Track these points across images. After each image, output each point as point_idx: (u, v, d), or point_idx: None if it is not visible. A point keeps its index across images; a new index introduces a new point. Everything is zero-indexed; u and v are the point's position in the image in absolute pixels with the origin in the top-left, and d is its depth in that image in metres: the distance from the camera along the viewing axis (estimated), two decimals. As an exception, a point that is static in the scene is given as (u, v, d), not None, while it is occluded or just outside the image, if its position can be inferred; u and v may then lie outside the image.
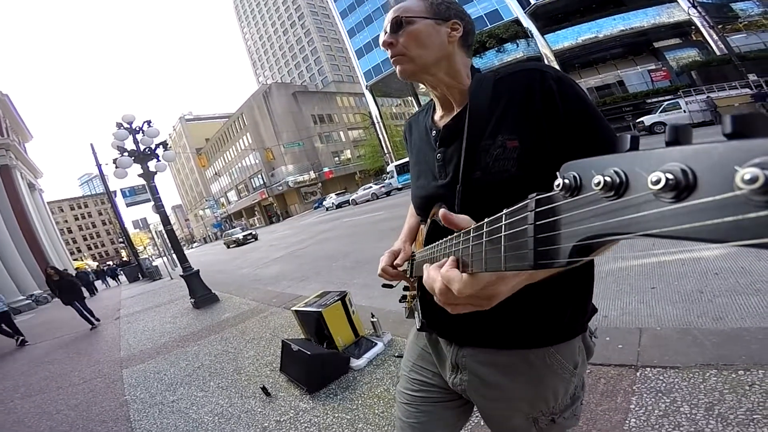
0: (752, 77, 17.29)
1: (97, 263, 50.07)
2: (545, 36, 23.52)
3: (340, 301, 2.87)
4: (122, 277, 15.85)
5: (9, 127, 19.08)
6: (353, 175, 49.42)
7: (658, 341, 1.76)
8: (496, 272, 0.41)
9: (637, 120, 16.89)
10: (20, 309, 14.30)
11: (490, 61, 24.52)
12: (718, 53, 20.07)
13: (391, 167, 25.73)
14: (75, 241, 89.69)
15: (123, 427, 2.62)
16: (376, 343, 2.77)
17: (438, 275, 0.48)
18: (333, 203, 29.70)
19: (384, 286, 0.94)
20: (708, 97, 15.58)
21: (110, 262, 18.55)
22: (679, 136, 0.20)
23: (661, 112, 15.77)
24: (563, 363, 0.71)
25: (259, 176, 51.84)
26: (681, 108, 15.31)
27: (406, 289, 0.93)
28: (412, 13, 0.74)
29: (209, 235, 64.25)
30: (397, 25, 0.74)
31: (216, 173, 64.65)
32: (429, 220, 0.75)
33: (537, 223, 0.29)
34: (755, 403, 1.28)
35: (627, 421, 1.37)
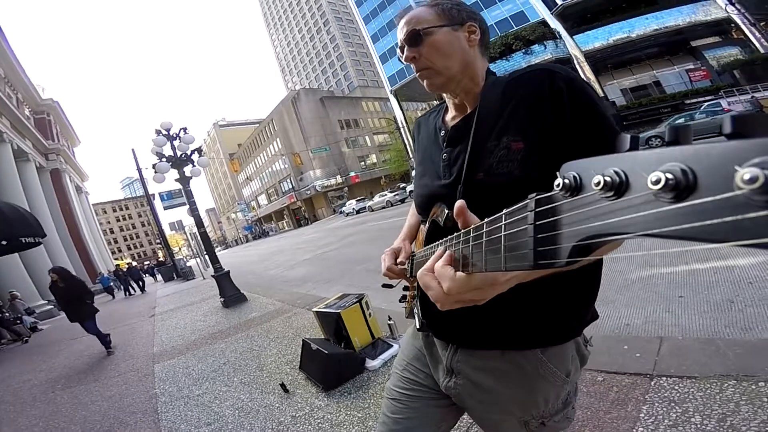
0: (801, 74, 15.91)
1: (135, 263, 53.08)
2: (574, 37, 22.65)
3: (357, 304, 2.93)
4: (158, 276, 16.86)
5: (59, 133, 20.44)
6: (379, 180, 49.70)
7: (678, 351, 1.68)
8: (486, 279, 0.44)
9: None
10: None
11: (517, 63, 23.92)
12: (761, 51, 18.54)
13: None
14: (116, 241, 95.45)
15: (150, 418, 2.75)
16: (391, 345, 2.81)
17: (432, 274, 0.49)
18: (353, 209, 30.20)
19: (384, 286, 0.95)
20: (753, 96, 14.54)
21: (147, 262, 19.76)
22: (679, 136, 0.20)
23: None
24: (554, 371, 0.71)
25: (288, 180, 53.08)
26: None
27: (406, 289, 0.93)
28: (427, 24, 0.73)
29: (240, 237, 66.47)
30: (416, 38, 0.73)
31: (247, 177, 66.74)
32: (429, 220, 0.75)
33: (537, 223, 0.29)
34: None
35: (634, 430, 1.33)
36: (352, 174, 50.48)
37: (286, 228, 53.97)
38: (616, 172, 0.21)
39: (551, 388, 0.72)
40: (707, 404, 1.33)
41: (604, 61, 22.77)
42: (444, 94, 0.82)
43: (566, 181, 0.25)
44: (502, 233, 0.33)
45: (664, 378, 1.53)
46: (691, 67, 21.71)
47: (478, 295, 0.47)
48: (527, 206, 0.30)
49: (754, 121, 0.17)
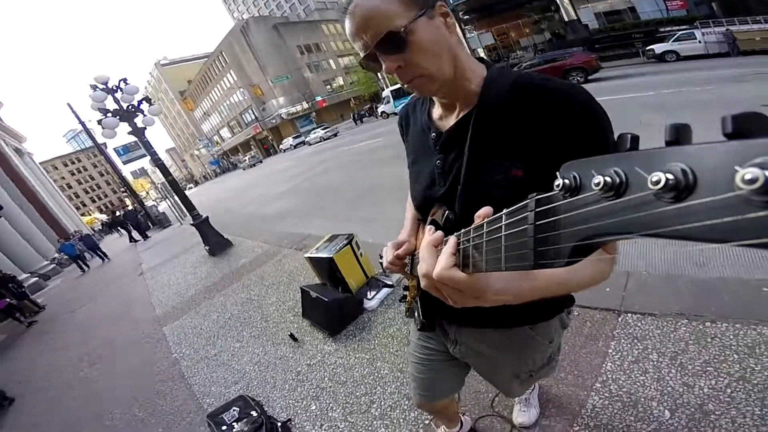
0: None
1: (105, 215, 50.94)
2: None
3: (348, 245, 3.00)
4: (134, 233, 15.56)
5: None
6: (348, 102, 48.35)
7: (643, 287, 1.91)
8: (475, 287, 0.44)
9: (647, 48, 15.62)
10: (48, 274, 14.34)
11: None
12: None
13: (386, 92, 24.90)
14: (77, 196, 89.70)
15: (182, 384, 2.86)
16: (385, 284, 2.94)
17: (434, 250, 0.50)
18: (291, 145, 33.64)
19: (384, 286, 1.07)
20: (728, 29, 14.26)
21: (118, 212, 18.60)
22: (679, 135, 0.20)
23: (674, 41, 14.59)
24: (540, 340, 0.87)
25: (250, 111, 50.75)
26: (696, 38, 14.25)
27: (406, 288, 0.97)
28: (400, 18, 0.58)
29: (209, 173, 64.17)
30: (394, 43, 0.59)
31: (204, 113, 62.84)
32: (429, 220, 0.74)
33: (537, 223, 0.29)
34: (712, 356, 1.43)
35: (604, 365, 1.57)
36: (319, 99, 48.67)
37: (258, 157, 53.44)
38: (616, 172, 0.22)
39: (537, 352, 0.91)
40: (663, 342, 1.54)
41: (579, -18, 20.83)
42: (436, 98, 0.74)
43: (566, 181, 0.25)
44: (503, 233, 0.34)
45: (630, 314, 1.77)
46: (668, -6, 20.44)
47: (458, 297, 0.47)
48: (527, 206, 0.31)
49: (754, 121, 0.17)
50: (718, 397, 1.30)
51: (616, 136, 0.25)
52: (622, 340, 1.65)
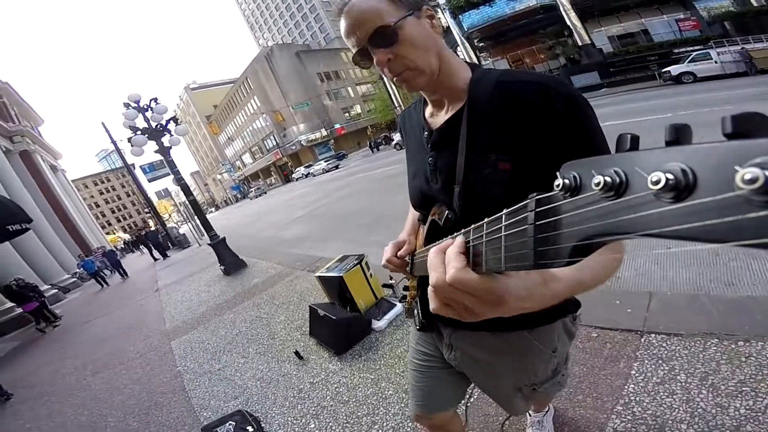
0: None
1: (128, 235, 52.82)
2: (560, -19, 21.08)
3: (358, 265, 2.98)
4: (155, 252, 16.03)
5: (18, 114, 19.25)
6: (365, 130, 49.47)
7: (667, 307, 1.80)
8: (494, 291, 0.40)
9: (663, 70, 15.75)
10: (68, 287, 14.74)
11: (501, 9, 22.18)
12: (755, 3, 17.92)
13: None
14: (104, 215, 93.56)
15: (181, 397, 2.86)
16: (395, 305, 2.91)
17: (443, 255, 0.43)
18: (302, 174, 33.83)
19: (384, 286, 1.03)
20: (743, 48, 14.38)
21: (142, 232, 19.46)
22: (679, 135, 0.20)
23: (689, 62, 14.69)
24: (540, 348, 0.79)
25: (272, 138, 52.43)
26: (712, 58, 14.33)
27: (406, 289, 0.96)
28: (390, 16, 0.63)
29: (230, 198, 66.11)
30: (385, 36, 0.64)
31: (229, 138, 65.31)
32: (429, 220, 0.75)
33: (537, 223, 0.29)
34: (747, 375, 1.33)
35: (626, 387, 1.45)
36: (337, 126, 50.06)
37: (276, 184, 54.18)
38: (616, 172, 0.21)
39: (539, 362, 0.82)
40: (691, 362, 1.44)
41: (591, 7, 21.49)
42: (425, 95, 0.77)
43: (566, 181, 0.25)
44: (502, 233, 0.33)
45: (654, 335, 1.65)
46: (682, 16, 20.88)
47: (475, 305, 0.42)
48: (527, 206, 0.30)
49: (754, 121, 0.17)
50: (757, 418, 1.19)
51: (616, 138, 0.25)
52: (646, 361, 1.53)
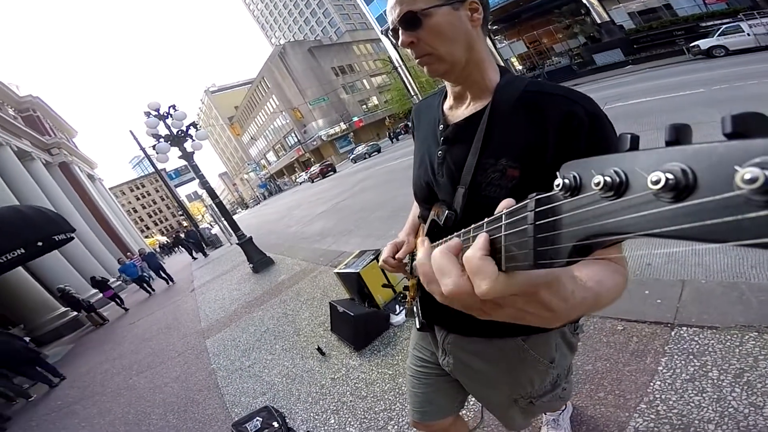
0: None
1: (165, 238, 55.74)
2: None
3: (375, 260, 2.99)
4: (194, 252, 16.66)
5: (53, 127, 20.17)
6: (383, 120, 49.42)
7: (701, 296, 1.67)
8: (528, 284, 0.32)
9: (692, 44, 14.75)
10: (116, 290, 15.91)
11: None
12: None
13: None
14: (142, 220, 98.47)
15: (215, 393, 2.99)
16: None
17: (454, 260, 0.37)
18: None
19: (384, 286, 1.01)
20: None
21: (182, 233, 20.38)
22: (679, 135, 0.20)
23: (719, 35, 13.77)
24: (537, 357, 0.76)
25: (293, 135, 53.38)
26: (744, 31, 13.39)
27: (406, 289, 0.95)
28: (425, 4, 0.65)
29: (258, 196, 68.08)
30: (412, 20, 0.65)
31: (252, 138, 67.30)
32: (429, 220, 0.75)
33: (537, 223, 0.29)
34: None
35: (652, 384, 1.37)
36: (356, 119, 50.31)
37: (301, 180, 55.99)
38: (616, 172, 0.21)
39: (535, 372, 0.78)
40: (726, 358, 1.34)
41: (611, -17, 20.19)
42: (448, 85, 0.76)
43: (566, 180, 0.25)
44: (502, 233, 0.33)
45: (685, 328, 1.54)
46: (706, -12, 19.18)
47: (526, 305, 0.35)
48: (527, 206, 0.30)
49: (754, 121, 0.17)
50: (796, 421, 1.08)
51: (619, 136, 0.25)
52: (675, 356, 1.43)
